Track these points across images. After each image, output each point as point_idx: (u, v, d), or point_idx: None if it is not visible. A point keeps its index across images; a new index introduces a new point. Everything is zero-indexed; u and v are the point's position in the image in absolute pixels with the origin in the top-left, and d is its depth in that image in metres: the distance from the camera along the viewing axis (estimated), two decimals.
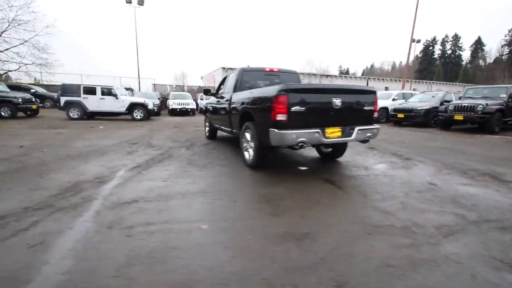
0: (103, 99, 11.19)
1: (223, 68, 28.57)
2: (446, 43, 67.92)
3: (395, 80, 43.15)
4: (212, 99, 6.56)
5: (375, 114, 3.85)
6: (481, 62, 67.18)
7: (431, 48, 70.10)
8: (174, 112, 14.81)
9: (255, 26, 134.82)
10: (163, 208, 2.58)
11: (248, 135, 4.20)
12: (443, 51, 68.34)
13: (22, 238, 2.00)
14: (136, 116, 11.68)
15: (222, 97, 5.75)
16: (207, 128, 7.23)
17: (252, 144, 4.08)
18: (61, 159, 4.53)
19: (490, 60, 66.13)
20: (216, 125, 6.29)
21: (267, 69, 5.27)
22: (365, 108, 3.71)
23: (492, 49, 68.69)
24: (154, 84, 23.07)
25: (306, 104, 3.32)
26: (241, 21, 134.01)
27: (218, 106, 5.77)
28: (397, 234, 2.14)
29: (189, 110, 14.98)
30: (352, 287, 1.52)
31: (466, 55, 67.98)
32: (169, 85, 24.93)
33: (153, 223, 2.26)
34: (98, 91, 11.12)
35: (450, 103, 9.39)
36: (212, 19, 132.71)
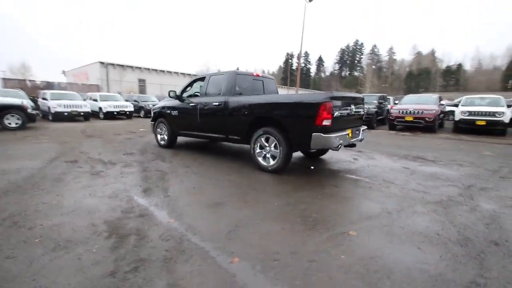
0: None
1: (102, 63, 23.92)
2: (299, 57, 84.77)
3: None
4: (174, 102, 5.76)
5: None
6: (322, 74, 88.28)
7: (290, 60, 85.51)
8: (58, 117, 11.20)
9: (139, 20, 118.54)
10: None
11: (264, 140, 4.14)
12: (298, 63, 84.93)
13: None
14: (10, 124, 8.13)
15: (189, 101, 5.28)
16: (160, 136, 6.23)
17: (272, 149, 4.07)
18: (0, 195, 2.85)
19: (328, 73, 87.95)
20: (187, 132, 5.58)
21: (255, 74, 5.25)
22: (361, 112, 4.52)
23: (329, 65, 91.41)
24: (4, 79, 16.13)
25: (340, 109, 3.74)
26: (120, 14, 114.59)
27: (195, 110, 5.16)
28: (454, 205, 2.94)
29: (81, 114, 11.75)
30: (504, 242, 2.11)
31: (313, 68, 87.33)
32: (40, 81, 18.01)
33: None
34: None
35: None
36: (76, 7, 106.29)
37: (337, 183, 3.65)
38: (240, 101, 4.48)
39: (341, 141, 3.68)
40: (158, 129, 6.28)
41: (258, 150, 4.27)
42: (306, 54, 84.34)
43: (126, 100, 14.58)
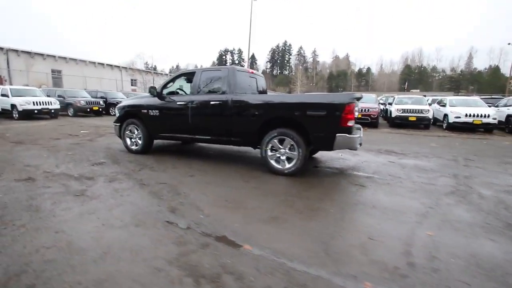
0: None
1: (0, 49, 18.79)
2: (233, 54, 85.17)
3: None
4: (151, 100, 4.90)
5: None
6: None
7: (224, 56, 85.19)
8: None
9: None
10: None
11: (278, 142, 3.92)
12: (232, 60, 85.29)
13: None
14: None
15: (170, 99, 4.70)
16: (131, 140, 5.25)
17: (287, 151, 3.89)
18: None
19: (260, 71, 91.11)
20: (172, 134, 4.83)
21: (250, 71, 4.89)
22: (357, 112, 4.75)
23: (261, 64, 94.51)
24: None
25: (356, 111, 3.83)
26: None
27: (185, 109, 4.49)
28: (467, 194, 3.33)
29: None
30: None
31: (246, 65, 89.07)
32: None
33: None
34: None
35: None
36: None
37: (360, 182, 3.73)
38: (248, 100, 4.11)
39: (360, 141, 3.78)
40: (127, 132, 5.27)
41: (270, 153, 4.02)
42: (240, 51, 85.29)
43: (48, 95, 11.76)
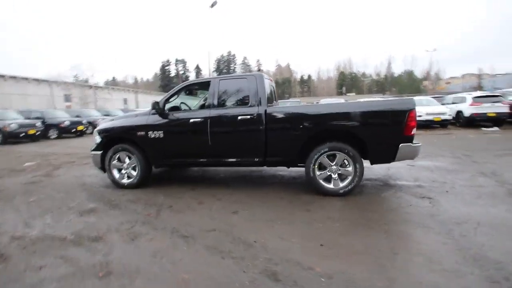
0: None
1: None
2: (177, 65, 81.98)
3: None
4: (150, 119, 3.86)
5: None
6: None
7: (167, 67, 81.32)
8: None
9: None
10: None
11: (326, 158, 3.37)
12: (177, 70, 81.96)
13: None
14: None
15: (178, 116, 3.81)
16: (123, 171, 4.06)
17: (339, 167, 3.37)
18: None
19: None
20: (183, 160, 3.85)
21: (270, 78, 4.25)
22: None
23: (206, 73, 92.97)
24: None
25: None
26: None
27: (203, 127, 3.61)
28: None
29: None
30: None
31: (192, 76, 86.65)
32: None
33: None
34: None
35: None
36: None
37: (421, 194, 3.41)
38: (289, 111, 3.50)
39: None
40: (115, 162, 4.06)
41: (318, 172, 3.43)
42: (184, 62, 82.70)
43: None
